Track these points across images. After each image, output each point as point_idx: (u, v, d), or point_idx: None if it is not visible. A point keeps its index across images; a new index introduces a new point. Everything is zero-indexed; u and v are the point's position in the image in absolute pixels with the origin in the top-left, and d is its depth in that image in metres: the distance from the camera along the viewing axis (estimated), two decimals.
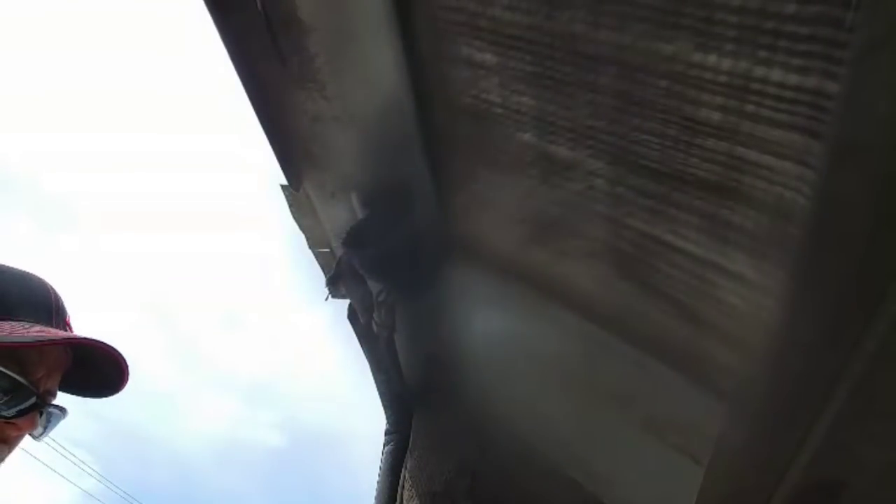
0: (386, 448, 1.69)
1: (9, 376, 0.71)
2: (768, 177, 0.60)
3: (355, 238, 1.36)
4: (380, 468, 1.68)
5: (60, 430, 0.85)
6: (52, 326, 0.78)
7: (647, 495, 1.28)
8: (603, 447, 1.35)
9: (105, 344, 0.78)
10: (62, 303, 0.82)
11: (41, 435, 0.80)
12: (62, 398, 0.81)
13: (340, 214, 1.40)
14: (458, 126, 1.04)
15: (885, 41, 0.39)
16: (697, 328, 0.88)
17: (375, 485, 1.67)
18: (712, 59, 0.57)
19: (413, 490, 1.59)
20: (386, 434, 1.70)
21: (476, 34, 0.83)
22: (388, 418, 1.70)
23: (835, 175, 0.46)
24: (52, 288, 0.82)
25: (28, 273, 0.82)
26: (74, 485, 16.93)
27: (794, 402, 0.59)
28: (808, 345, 0.54)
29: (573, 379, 1.29)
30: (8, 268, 0.81)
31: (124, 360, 0.79)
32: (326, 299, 1.55)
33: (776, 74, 0.52)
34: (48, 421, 0.79)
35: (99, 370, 0.80)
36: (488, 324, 1.45)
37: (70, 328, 0.82)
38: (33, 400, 0.74)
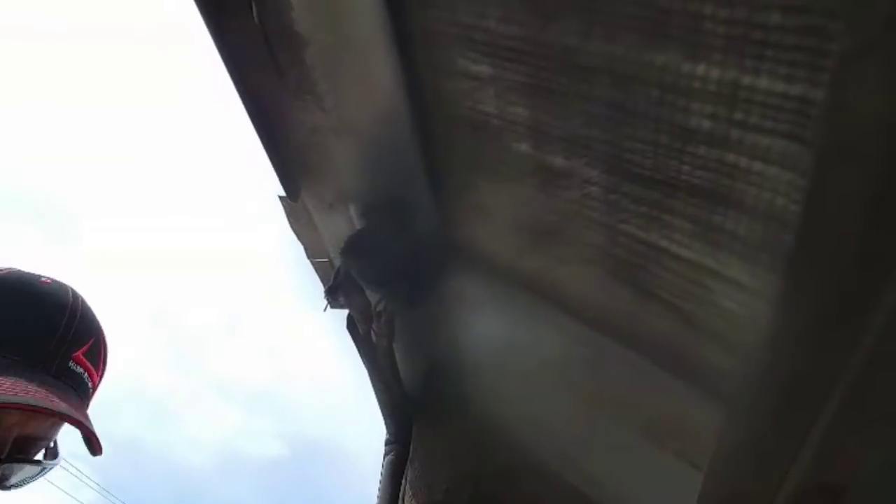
0: (386, 458, 1.68)
1: None
2: (758, 182, 0.61)
3: (353, 248, 1.37)
4: (380, 478, 1.67)
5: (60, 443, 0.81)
6: (45, 363, 0.70)
7: (646, 500, 1.28)
8: (602, 452, 1.35)
9: (65, 415, 0.68)
10: (75, 330, 0.74)
11: (8, 485, 0.74)
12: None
13: (338, 225, 1.41)
14: (454, 136, 1.06)
15: (870, 48, 0.40)
16: (694, 332, 0.89)
17: (376, 495, 1.67)
18: (701, 68, 0.58)
19: (414, 500, 1.58)
20: (386, 444, 1.70)
21: (471, 46, 0.84)
22: (388, 428, 1.70)
23: (825, 178, 0.47)
24: (68, 310, 0.74)
25: (44, 292, 0.74)
26: (73, 498, 16.77)
27: (792, 405, 0.59)
28: (805, 346, 0.55)
29: (572, 384, 1.29)
30: (21, 284, 0.74)
31: (91, 432, 0.72)
32: (325, 310, 1.55)
33: (763, 83, 0.54)
34: (14, 472, 0.72)
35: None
36: (487, 331, 1.46)
37: (81, 360, 0.74)
38: None
